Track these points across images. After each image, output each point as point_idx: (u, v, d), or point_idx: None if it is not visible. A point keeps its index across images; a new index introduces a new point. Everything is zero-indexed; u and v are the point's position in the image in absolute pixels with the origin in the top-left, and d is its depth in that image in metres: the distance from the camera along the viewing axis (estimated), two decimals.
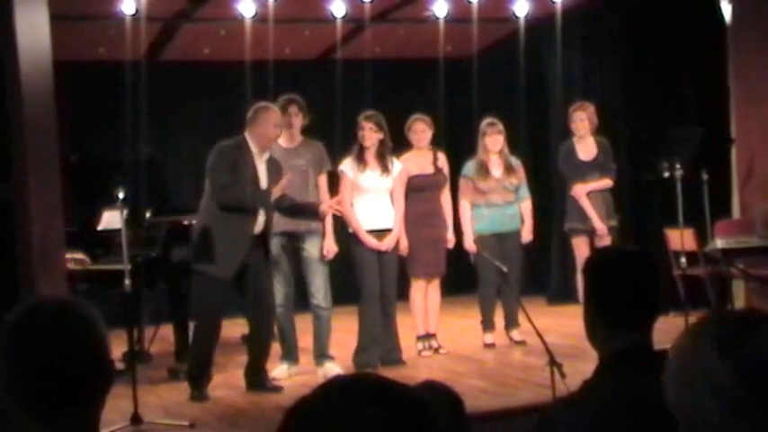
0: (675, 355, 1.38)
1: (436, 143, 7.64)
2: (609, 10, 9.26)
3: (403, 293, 7.41)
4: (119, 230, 5.95)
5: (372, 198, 7.04)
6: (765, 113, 7.99)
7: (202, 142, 7.53)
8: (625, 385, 2.18)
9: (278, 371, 6.78)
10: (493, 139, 7.63)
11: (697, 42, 8.62)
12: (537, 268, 9.62)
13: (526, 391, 5.98)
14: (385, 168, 7.03)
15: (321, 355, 6.85)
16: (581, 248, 7.94)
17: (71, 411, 1.73)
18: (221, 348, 6.80)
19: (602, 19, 9.38)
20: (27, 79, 6.03)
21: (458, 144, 8.70)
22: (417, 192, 7.31)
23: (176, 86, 9.65)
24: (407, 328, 7.34)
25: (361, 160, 7.01)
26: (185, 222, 6.95)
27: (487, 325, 7.68)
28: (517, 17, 9.44)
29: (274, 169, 6.41)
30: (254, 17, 8.81)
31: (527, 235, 7.75)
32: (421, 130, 7.45)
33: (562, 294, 9.28)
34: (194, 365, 6.38)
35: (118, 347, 6.16)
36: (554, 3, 9.25)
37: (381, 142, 7.01)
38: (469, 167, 7.72)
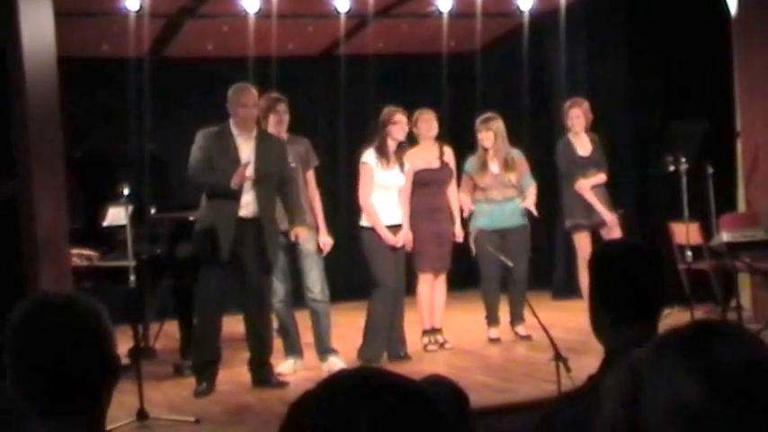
0: (633, 371, 1.29)
1: (440, 138, 7.63)
2: (613, 4, 9.24)
3: (408, 288, 7.41)
4: (123, 227, 5.95)
5: (386, 194, 7.04)
6: None
7: None
8: None
9: (284, 366, 6.78)
10: (483, 136, 7.61)
11: (702, 36, 8.59)
12: (542, 263, 9.60)
13: (531, 386, 5.97)
14: (402, 165, 7.06)
15: (324, 349, 6.83)
16: (584, 244, 7.87)
17: (77, 407, 1.73)
18: (226, 344, 6.80)
19: (606, 13, 9.35)
20: (31, 75, 6.04)
21: (461, 139, 8.68)
22: (423, 186, 7.28)
23: (180, 83, 9.63)
24: (413, 322, 7.34)
25: (383, 155, 7.00)
26: (190, 218, 6.94)
27: (492, 320, 7.67)
28: (521, 11, 9.41)
29: (272, 147, 6.42)
30: (257, 13, 8.80)
31: (529, 204, 7.62)
32: (429, 118, 7.42)
33: (567, 289, 9.24)
34: (197, 356, 6.42)
35: (123, 344, 6.15)
36: None
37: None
38: (470, 163, 7.71)
